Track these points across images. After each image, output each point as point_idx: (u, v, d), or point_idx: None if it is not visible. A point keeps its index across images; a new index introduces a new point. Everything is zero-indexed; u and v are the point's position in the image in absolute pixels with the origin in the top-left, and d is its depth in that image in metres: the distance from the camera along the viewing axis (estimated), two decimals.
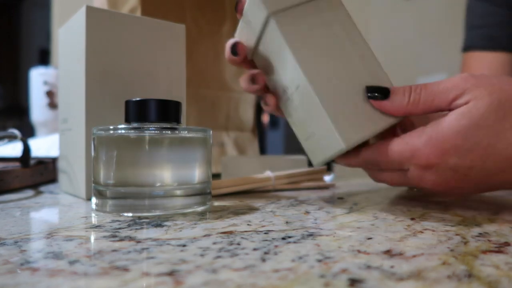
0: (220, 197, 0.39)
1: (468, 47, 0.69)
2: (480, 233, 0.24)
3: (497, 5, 0.65)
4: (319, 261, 0.19)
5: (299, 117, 0.34)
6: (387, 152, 0.30)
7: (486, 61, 0.66)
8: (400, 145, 0.29)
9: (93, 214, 0.30)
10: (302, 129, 0.35)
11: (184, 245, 0.21)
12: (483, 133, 0.27)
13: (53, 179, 0.53)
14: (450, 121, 0.28)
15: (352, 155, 0.33)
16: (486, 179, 0.29)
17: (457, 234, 0.24)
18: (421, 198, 0.39)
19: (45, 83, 0.94)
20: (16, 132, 0.48)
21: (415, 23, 1.72)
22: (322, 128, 0.31)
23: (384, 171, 0.33)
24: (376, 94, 0.30)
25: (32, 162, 0.49)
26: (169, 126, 0.30)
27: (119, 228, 0.25)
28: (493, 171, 0.28)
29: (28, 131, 0.96)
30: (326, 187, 0.48)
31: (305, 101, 0.32)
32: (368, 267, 0.18)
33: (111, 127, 0.30)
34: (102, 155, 0.30)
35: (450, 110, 0.29)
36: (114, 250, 0.20)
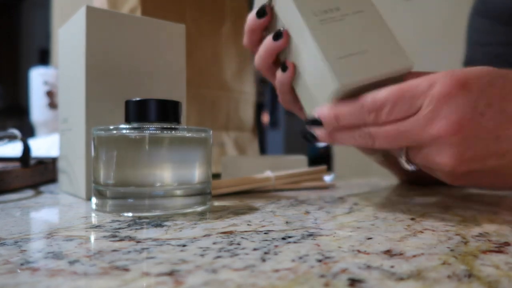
0: (220, 197, 0.39)
1: (472, 62, 0.68)
2: (480, 233, 0.24)
3: (501, 24, 0.65)
4: (319, 261, 0.19)
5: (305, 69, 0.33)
6: (399, 87, 0.27)
7: None
8: (416, 79, 0.27)
9: (93, 214, 0.30)
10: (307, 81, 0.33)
11: (184, 245, 0.21)
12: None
13: (53, 179, 0.53)
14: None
15: (347, 100, 0.29)
16: (504, 127, 0.27)
17: (457, 234, 0.24)
18: (421, 198, 0.39)
19: (45, 83, 0.94)
20: (16, 132, 0.48)
21: (415, 23, 1.72)
22: (319, 73, 0.31)
23: (381, 125, 0.28)
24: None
25: (32, 162, 0.49)
26: (169, 126, 0.30)
27: (119, 228, 0.25)
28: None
29: (28, 131, 0.96)
30: (326, 187, 0.48)
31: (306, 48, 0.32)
32: (368, 267, 0.18)
33: (111, 127, 0.30)
34: (102, 155, 0.30)
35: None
36: (114, 250, 0.20)
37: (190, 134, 0.31)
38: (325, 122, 0.30)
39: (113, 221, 0.27)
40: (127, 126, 0.30)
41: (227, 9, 0.67)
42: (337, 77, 0.29)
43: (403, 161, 0.31)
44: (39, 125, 0.98)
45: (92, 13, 0.37)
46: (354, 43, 0.30)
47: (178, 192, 0.30)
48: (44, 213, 0.32)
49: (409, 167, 0.31)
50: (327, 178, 0.54)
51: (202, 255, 0.19)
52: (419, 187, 0.49)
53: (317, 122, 0.31)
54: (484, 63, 0.67)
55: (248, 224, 0.26)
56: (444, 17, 1.62)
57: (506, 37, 0.64)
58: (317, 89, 0.32)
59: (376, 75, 0.29)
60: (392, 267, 0.18)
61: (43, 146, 0.65)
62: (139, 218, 0.28)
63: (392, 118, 0.28)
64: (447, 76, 0.27)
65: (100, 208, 0.30)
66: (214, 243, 0.22)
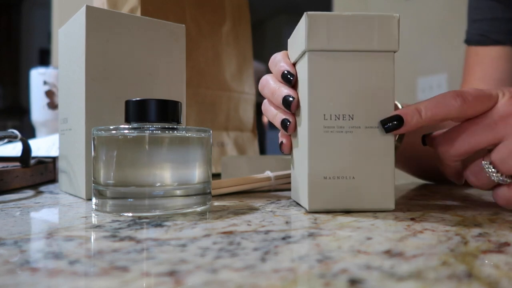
0: (220, 197, 0.39)
1: (466, 41, 0.69)
2: (480, 233, 0.24)
3: (495, 0, 0.65)
4: (319, 261, 0.19)
5: None
6: (475, 89, 0.30)
7: (481, 56, 0.65)
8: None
9: (93, 214, 0.30)
10: None
11: (184, 245, 0.21)
12: None
13: (53, 179, 0.53)
14: None
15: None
16: None
17: (457, 234, 0.24)
18: (421, 198, 0.39)
19: (45, 83, 0.94)
20: (16, 132, 0.48)
21: (415, 23, 1.72)
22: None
23: (467, 115, 0.30)
24: (390, 124, 0.30)
25: (32, 162, 0.49)
26: (169, 126, 0.30)
27: (119, 228, 0.25)
28: None
29: (28, 131, 0.96)
30: None
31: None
32: (368, 267, 0.18)
33: (111, 127, 0.30)
34: (102, 155, 0.30)
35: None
36: (114, 250, 0.20)
37: (190, 134, 0.31)
38: (407, 118, 0.30)
39: (113, 221, 0.27)
40: (127, 126, 0.30)
41: (227, 9, 0.67)
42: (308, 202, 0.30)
43: (490, 172, 0.30)
44: (39, 125, 0.98)
45: (92, 13, 0.37)
46: (345, 165, 0.30)
47: (178, 192, 0.30)
48: (44, 213, 0.32)
49: (500, 177, 0.30)
50: None
51: (202, 255, 0.19)
52: (419, 187, 0.49)
53: (395, 119, 0.30)
54: (474, 41, 0.67)
55: (248, 224, 0.26)
56: (444, 17, 1.62)
57: (491, 13, 0.65)
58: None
59: (352, 208, 0.31)
60: (392, 267, 0.18)
61: (43, 146, 0.65)
62: (139, 218, 0.28)
63: (479, 106, 0.30)
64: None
65: (100, 208, 0.30)
66: (214, 243, 0.22)
